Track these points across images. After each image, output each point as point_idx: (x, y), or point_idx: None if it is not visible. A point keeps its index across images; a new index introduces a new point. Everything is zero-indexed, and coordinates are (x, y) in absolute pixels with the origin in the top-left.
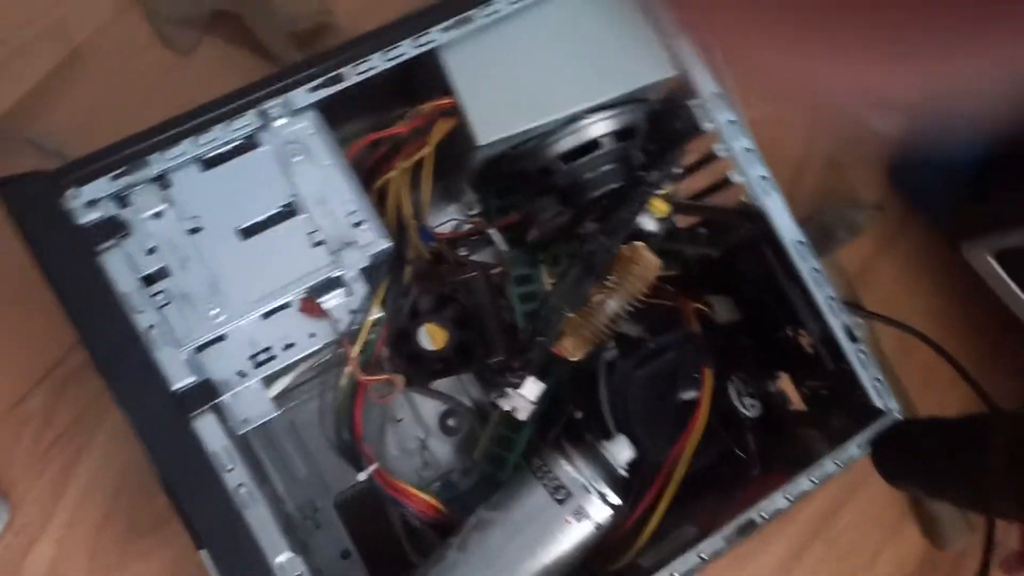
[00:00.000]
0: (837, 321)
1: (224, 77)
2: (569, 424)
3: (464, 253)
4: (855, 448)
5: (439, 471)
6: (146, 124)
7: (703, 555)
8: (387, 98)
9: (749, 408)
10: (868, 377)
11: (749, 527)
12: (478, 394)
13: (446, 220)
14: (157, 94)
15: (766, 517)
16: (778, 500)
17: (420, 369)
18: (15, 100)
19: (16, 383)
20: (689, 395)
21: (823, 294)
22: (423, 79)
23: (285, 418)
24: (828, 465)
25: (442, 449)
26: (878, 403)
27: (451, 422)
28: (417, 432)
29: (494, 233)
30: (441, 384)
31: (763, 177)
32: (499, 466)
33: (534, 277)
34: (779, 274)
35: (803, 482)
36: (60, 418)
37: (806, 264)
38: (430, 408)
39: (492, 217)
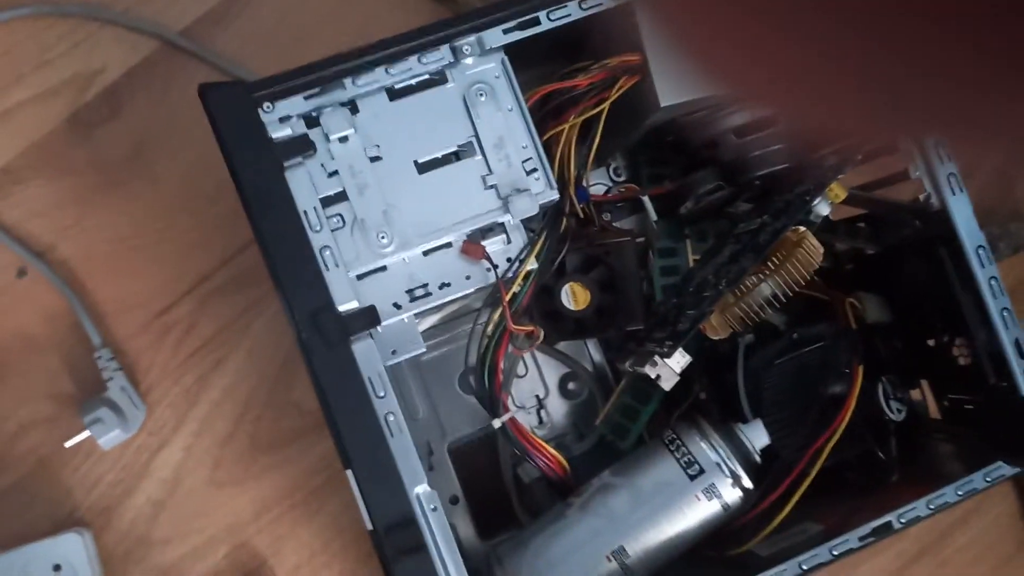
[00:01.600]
0: (1010, 335)
1: (393, 15)
2: (694, 404)
3: (607, 218)
4: (1006, 468)
5: (554, 432)
6: (315, 54)
7: (834, 551)
8: (565, 51)
9: (895, 412)
10: None
11: (885, 530)
12: (601, 361)
13: (596, 182)
14: (329, 24)
15: (904, 523)
16: (920, 507)
17: (555, 327)
18: (195, 17)
19: (165, 291)
20: (830, 391)
21: (998, 305)
22: (605, 35)
23: (412, 359)
24: (978, 481)
25: (559, 411)
26: None
27: (571, 386)
28: (537, 390)
29: (647, 200)
30: (565, 346)
31: (952, 175)
32: (621, 435)
33: (679, 251)
34: (953, 279)
35: (948, 493)
36: (202, 330)
37: (985, 271)
38: (552, 368)
39: (644, 185)
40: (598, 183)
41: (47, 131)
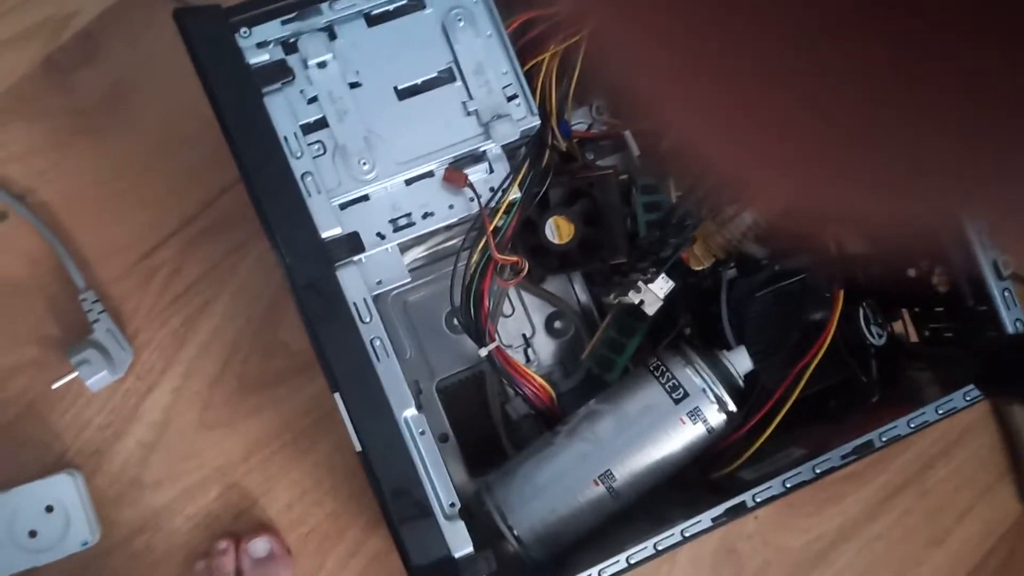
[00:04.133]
0: (987, 257)
1: None
2: (678, 338)
3: (590, 156)
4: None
5: (541, 370)
6: None
7: (817, 469)
8: None
9: (876, 336)
10: (1010, 318)
11: (866, 448)
12: (586, 299)
13: (577, 121)
14: None
15: (885, 440)
16: (900, 426)
17: (540, 262)
18: None
19: (150, 233)
20: (812, 317)
21: (975, 227)
22: None
23: (398, 300)
24: (957, 400)
25: (546, 349)
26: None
27: (558, 324)
28: (524, 329)
29: (629, 136)
30: (551, 285)
31: None
32: (607, 368)
33: (661, 187)
34: None
35: (928, 412)
36: (188, 272)
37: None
38: (538, 307)
39: (626, 121)
40: (580, 121)
41: (21, 75)
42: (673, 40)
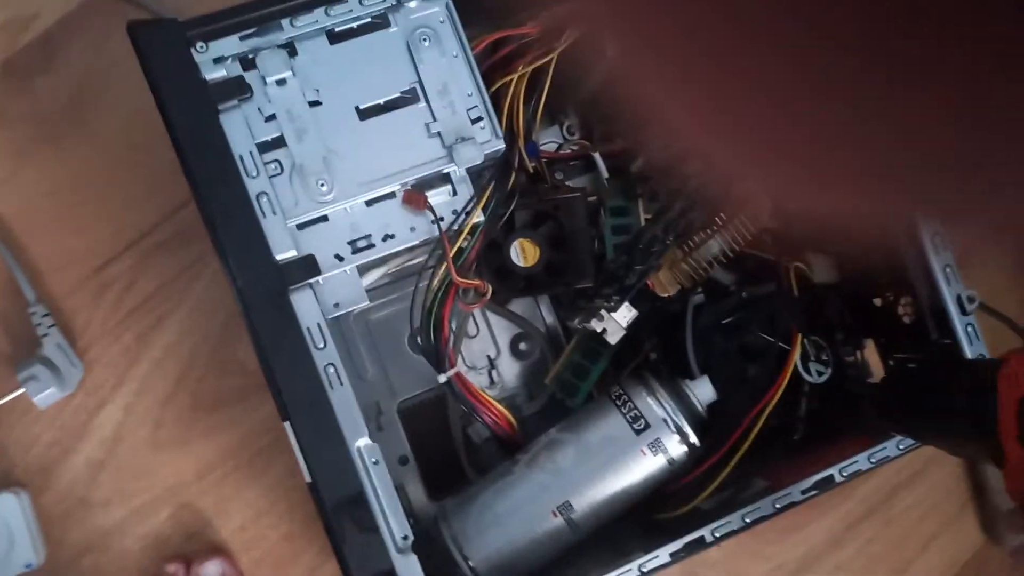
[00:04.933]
0: (951, 291)
1: None
2: (643, 364)
3: (559, 177)
4: None
5: (504, 392)
6: None
7: (777, 504)
8: (514, 4)
9: (815, 375)
10: (973, 352)
11: (827, 483)
12: (553, 321)
13: (547, 141)
14: None
15: (845, 476)
16: (861, 461)
17: (505, 284)
18: None
19: (105, 246)
20: (776, 348)
21: (940, 261)
22: None
23: (361, 318)
24: None
25: (510, 372)
26: None
27: (523, 346)
28: (488, 350)
29: (598, 158)
30: (517, 307)
31: None
32: (570, 393)
33: (630, 210)
34: (899, 237)
35: (889, 447)
36: (142, 287)
37: (928, 228)
38: (503, 329)
39: (596, 143)
40: (550, 141)
41: None
42: (665, 35)
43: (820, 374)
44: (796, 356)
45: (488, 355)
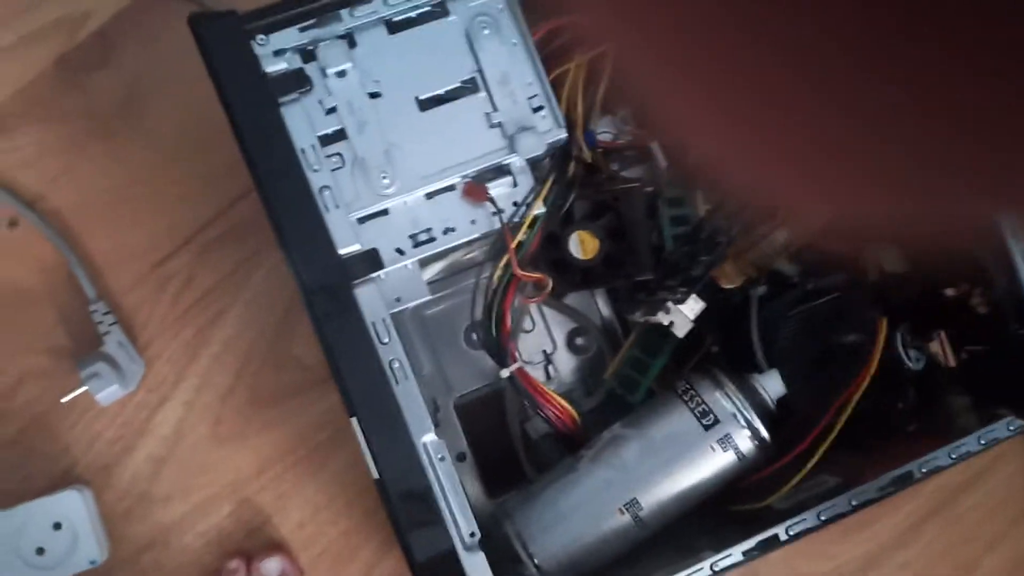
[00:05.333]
0: None
1: None
2: (705, 357)
3: (616, 167)
4: None
5: (561, 388)
6: None
7: (853, 502)
8: None
9: (914, 361)
10: None
11: (906, 479)
12: (609, 315)
13: (603, 131)
14: None
15: (925, 472)
16: (941, 457)
17: (563, 277)
18: None
19: (161, 242)
20: (848, 341)
21: (1021, 247)
22: None
23: (416, 313)
24: (1000, 430)
25: (567, 367)
26: None
27: (580, 340)
28: (544, 345)
29: (656, 148)
30: (573, 300)
31: None
32: (630, 389)
33: (688, 200)
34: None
35: (970, 442)
36: (200, 282)
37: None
38: (559, 323)
39: (652, 132)
40: (606, 131)
41: (34, 76)
42: (690, 57)
43: (918, 360)
44: (879, 345)
45: (544, 350)
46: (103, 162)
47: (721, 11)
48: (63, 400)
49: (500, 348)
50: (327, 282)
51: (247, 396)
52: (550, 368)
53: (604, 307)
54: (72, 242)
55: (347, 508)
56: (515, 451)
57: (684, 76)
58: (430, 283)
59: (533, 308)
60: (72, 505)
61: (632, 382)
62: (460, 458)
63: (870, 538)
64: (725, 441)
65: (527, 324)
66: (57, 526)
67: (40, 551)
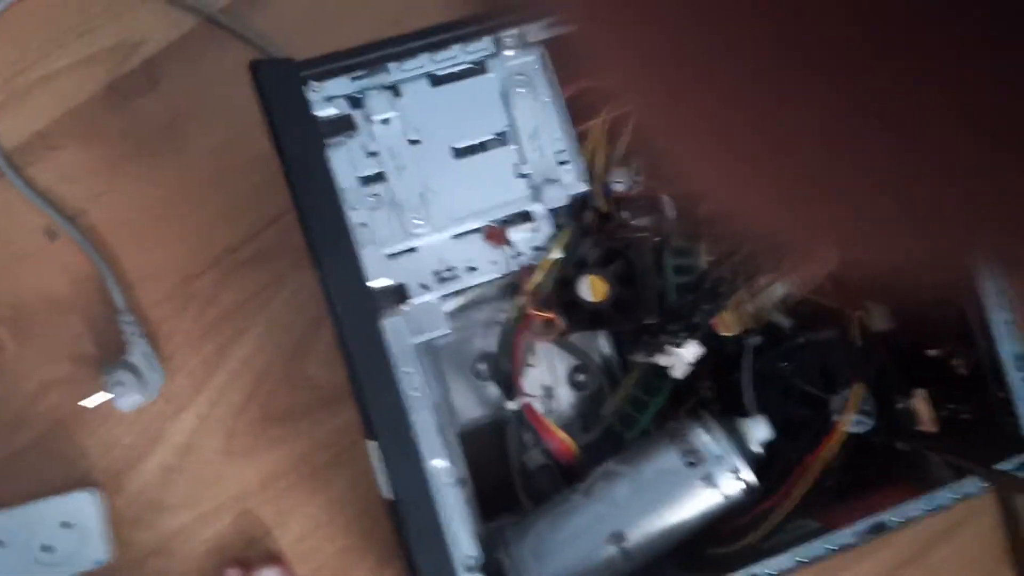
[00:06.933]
0: (1009, 348)
1: (428, 2)
2: (700, 401)
3: (626, 216)
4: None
5: (560, 422)
6: (349, 39)
7: (830, 546)
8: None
9: (855, 424)
10: None
11: (880, 528)
12: (610, 354)
13: (616, 181)
14: (364, 10)
15: (897, 522)
16: (912, 508)
17: (572, 318)
18: None
19: (190, 262)
20: (832, 398)
21: (1001, 317)
22: None
23: (430, 344)
24: (970, 486)
25: (566, 401)
26: None
27: (580, 377)
28: (545, 380)
29: (667, 199)
30: (575, 338)
31: None
32: (628, 426)
33: (693, 251)
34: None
35: (942, 496)
36: (224, 301)
37: (993, 283)
38: (562, 359)
39: (663, 183)
40: (619, 182)
41: (85, 98)
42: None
43: (862, 424)
44: (853, 406)
45: (545, 384)
46: (142, 184)
47: (735, 74)
48: (89, 404)
49: (510, 382)
50: (357, 311)
51: (259, 413)
52: (551, 403)
53: (605, 346)
54: (106, 256)
55: (346, 526)
56: (511, 480)
57: (700, 132)
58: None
59: (537, 345)
60: (82, 506)
61: (630, 420)
62: (462, 483)
63: None
64: (708, 480)
65: (530, 359)
66: (67, 525)
67: (47, 549)
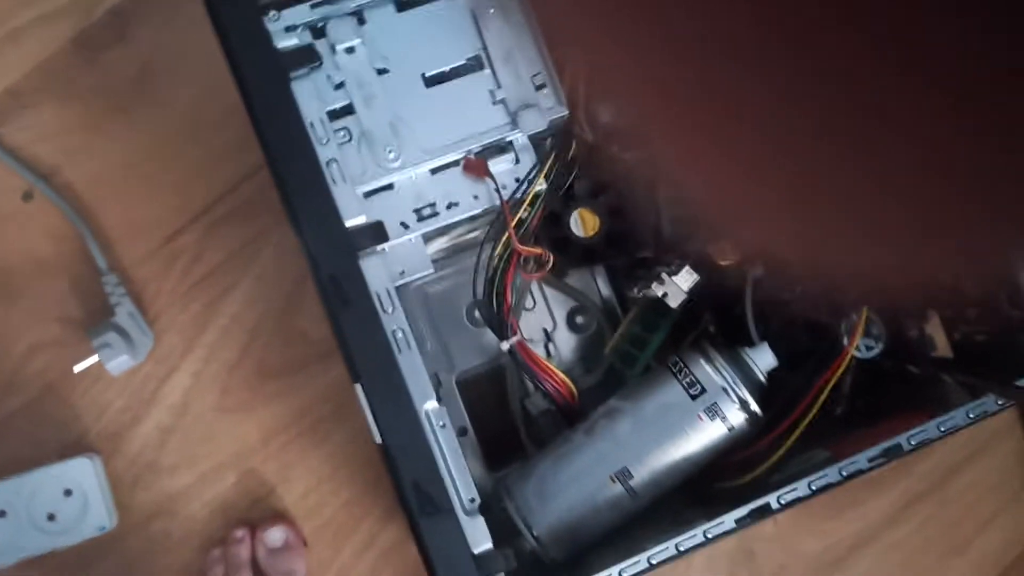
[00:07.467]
0: None
1: None
2: (703, 336)
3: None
4: None
5: (561, 366)
6: None
7: (843, 472)
8: None
9: (863, 348)
10: None
11: (895, 451)
12: (609, 294)
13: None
14: None
15: (914, 444)
16: (930, 430)
17: (564, 255)
18: None
19: (172, 218)
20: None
21: None
22: None
23: (420, 290)
24: (989, 404)
25: (567, 345)
26: None
27: (579, 319)
28: (545, 324)
29: None
30: (573, 280)
31: None
32: (629, 364)
33: None
34: None
35: (958, 416)
36: (210, 257)
37: None
38: (560, 302)
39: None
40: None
41: (53, 52)
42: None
43: (869, 348)
44: (859, 329)
45: (544, 328)
46: (117, 138)
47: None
48: (76, 369)
49: (501, 322)
50: (334, 253)
51: (253, 368)
52: (550, 346)
53: (604, 286)
54: (85, 215)
55: (350, 479)
56: (515, 427)
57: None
58: (434, 260)
59: (534, 287)
60: (82, 473)
61: (631, 357)
62: (462, 432)
63: (862, 516)
64: (713, 411)
65: (528, 303)
66: (68, 493)
67: (51, 517)
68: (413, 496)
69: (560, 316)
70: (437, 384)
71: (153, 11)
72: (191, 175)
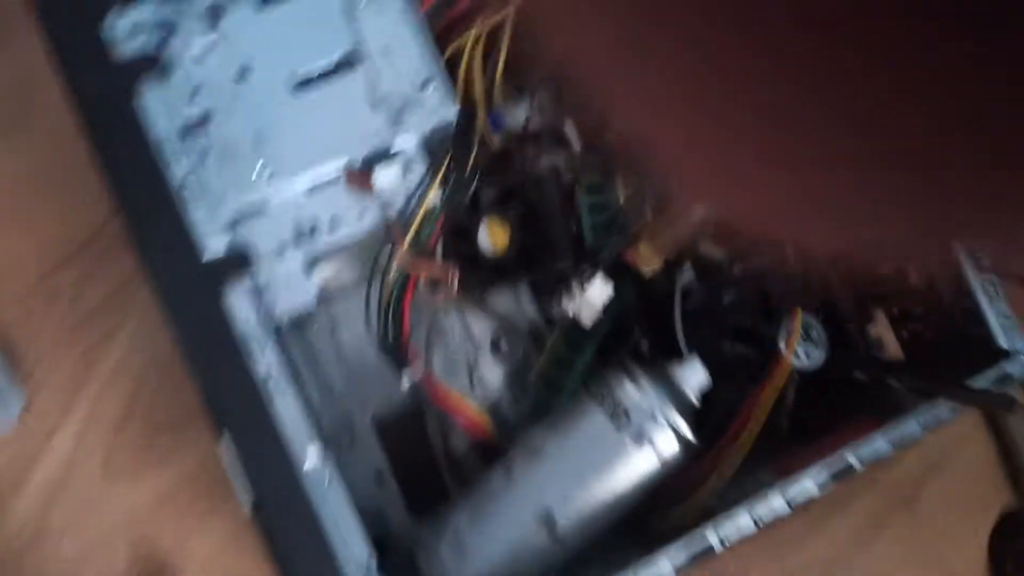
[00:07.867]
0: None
1: None
2: (634, 354)
3: (531, 154)
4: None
5: (487, 396)
6: None
7: (790, 501)
8: None
9: (803, 356)
10: (995, 313)
11: (846, 472)
12: (535, 315)
13: (506, 116)
14: None
15: (864, 463)
16: (878, 444)
17: (476, 274)
18: None
19: (48, 253)
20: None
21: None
22: None
23: (327, 323)
24: (942, 410)
25: (492, 373)
26: (1004, 343)
27: (504, 344)
28: (467, 351)
29: (570, 129)
30: (496, 304)
31: None
32: (555, 391)
33: (607, 187)
34: None
35: (909, 425)
36: (91, 294)
37: None
38: (482, 327)
39: (568, 114)
40: (520, 116)
41: None
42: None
43: (808, 356)
44: (794, 337)
45: (467, 355)
46: None
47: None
48: None
49: (400, 353)
50: (189, 290)
51: (141, 425)
52: (474, 376)
53: (528, 305)
54: None
55: (254, 544)
56: (439, 469)
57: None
58: (333, 289)
59: (453, 312)
60: None
61: (557, 383)
62: (378, 477)
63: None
64: (639, 439)
65: (447, 330)
66: None
67: None
68: (297, 569)
69: (484, 342)
70: (349, 426)
71: (23, 28)
72: (71, 205)
